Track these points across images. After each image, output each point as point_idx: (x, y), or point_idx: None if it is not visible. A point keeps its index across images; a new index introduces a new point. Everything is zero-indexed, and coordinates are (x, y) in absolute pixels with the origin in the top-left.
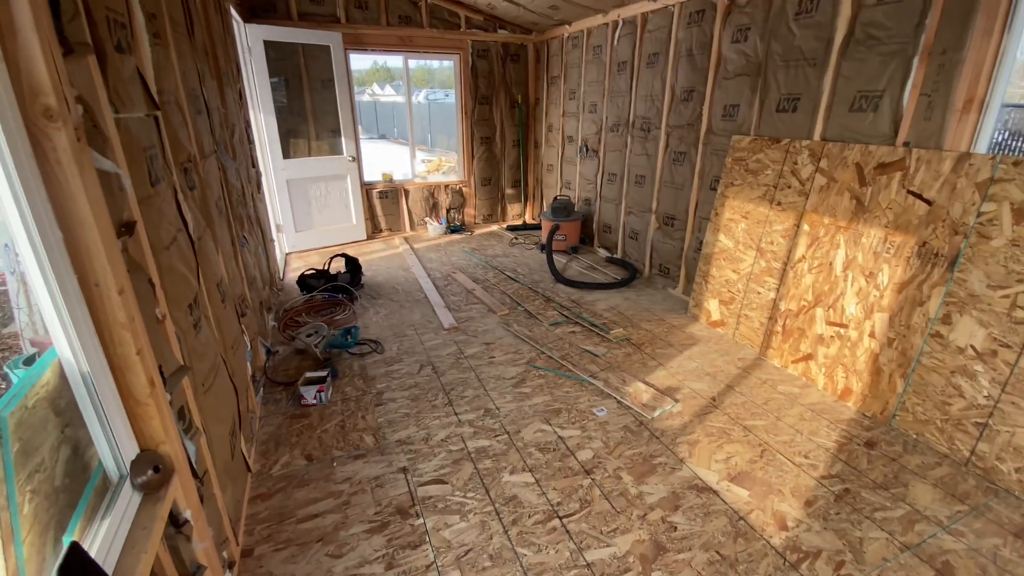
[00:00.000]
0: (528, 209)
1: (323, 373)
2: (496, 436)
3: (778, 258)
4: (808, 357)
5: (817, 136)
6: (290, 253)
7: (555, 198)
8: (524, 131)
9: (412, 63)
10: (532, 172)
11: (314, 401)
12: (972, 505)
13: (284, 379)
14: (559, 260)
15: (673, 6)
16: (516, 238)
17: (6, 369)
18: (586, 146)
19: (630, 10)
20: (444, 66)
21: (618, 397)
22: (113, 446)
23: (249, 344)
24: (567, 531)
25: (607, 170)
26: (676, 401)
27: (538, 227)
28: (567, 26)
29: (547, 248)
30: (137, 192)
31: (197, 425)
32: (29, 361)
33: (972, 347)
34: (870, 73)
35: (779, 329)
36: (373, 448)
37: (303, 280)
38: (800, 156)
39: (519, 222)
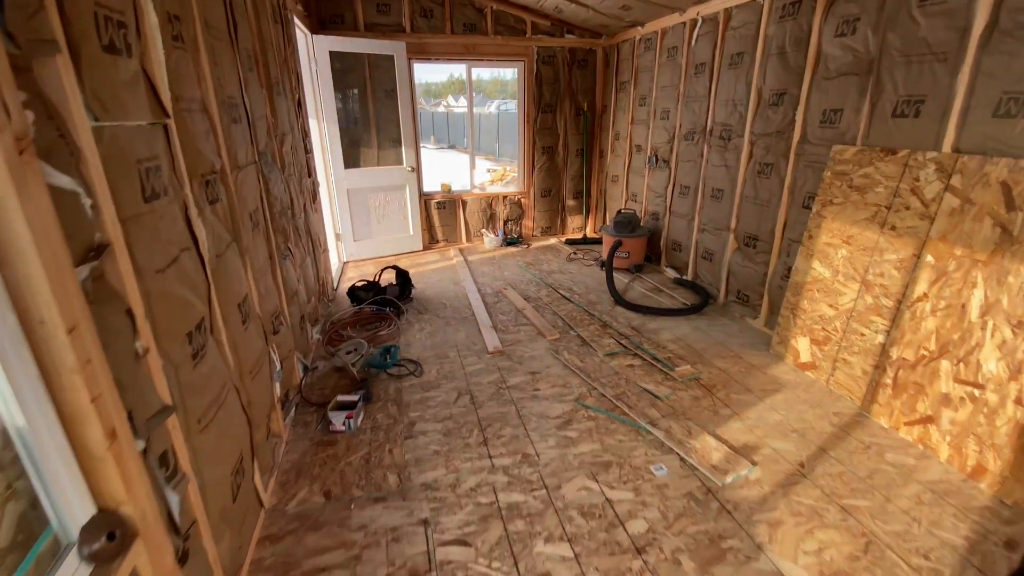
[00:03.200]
0: (589, 222)
1: (354, 398)
2: (533, 490)
3: (890, 294)
4: (927, 420)
5: (947, 147)
6: (348, 262)
7: (619, 211)
8: (589, 140)
9: (486, 74)
10: (595, 183)
11: (342, 428)
12: None
13: (319, 399)
14: (620, 280)
15: None
16: (574, 253)
17: None
18: (656, 156)
19: (712, 6)
20: (516, 77)
21: (682, 453)
22: (59, 508)
23: (280, 364)
24: None
25: (679, 182)
26: (754, 464)
27: (599, 241)
28: (639, 27)
29: (607, 266)
30: (123, 210)
31: (184, 471)
32: None
33: None
34: (1021, 70)
35: (888, 381)
36: (395, 491)
37: (353, 292)
38: (923, 171)
39: (579, 235)
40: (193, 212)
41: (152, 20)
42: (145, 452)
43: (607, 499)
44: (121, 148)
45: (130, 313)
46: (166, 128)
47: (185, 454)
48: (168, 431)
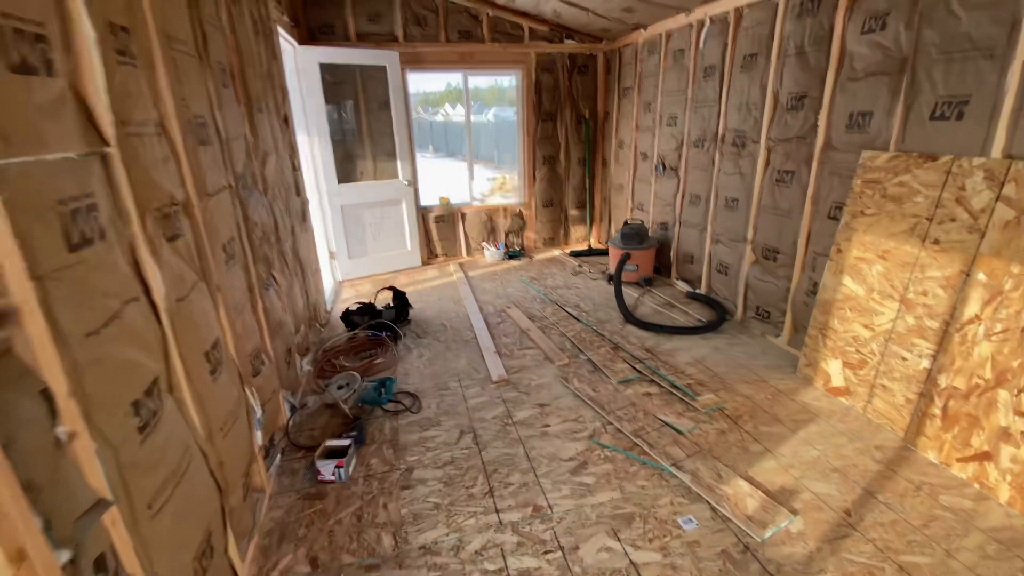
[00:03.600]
0: (594, 232)
1: (345, 443)
2: (547, 552)
3: (935, 315)
4: (984, 456)
5: (997, 152)
6: (343, 281)
7: (625, 222)
8: (591, 148)
9: (483, 82)
10: (599, 192)
11: (332, 478)
12: None
13: (307, 441)
14: (630, 294)
15: None
16: (580, 265)
17: None
18: (663, 164)
19: (721, 6)
20: (514, 84)
21: (712, 502)
22: None
23: (262, 408)
24: None
25: (689, 191)
26: (794, 513)
27: (604, 252)
28: (642, 30)
29: (615, 281)
30: (38, 265)
31: (129, 573)
32: None
33: None
34: None
35: (937, 411)
36: (390, 556)
37: (347, 316)
38: (970, 179)
39: (583, 246)
40: (143, 254)
41: (86, 32)
42: (74, 560)
43: (631, 562)
44: (34, 188)
45: (47, 393)
46: (105, 158)
47: (130, 551)
48: (106, 528)
